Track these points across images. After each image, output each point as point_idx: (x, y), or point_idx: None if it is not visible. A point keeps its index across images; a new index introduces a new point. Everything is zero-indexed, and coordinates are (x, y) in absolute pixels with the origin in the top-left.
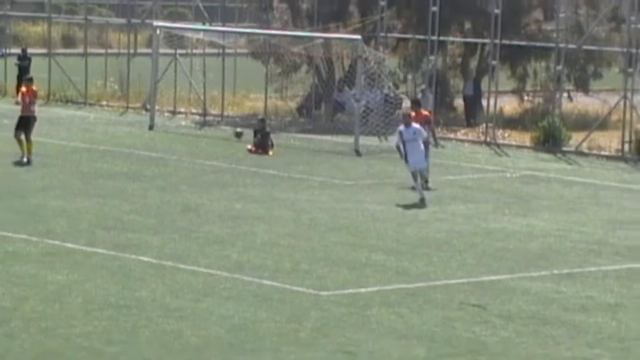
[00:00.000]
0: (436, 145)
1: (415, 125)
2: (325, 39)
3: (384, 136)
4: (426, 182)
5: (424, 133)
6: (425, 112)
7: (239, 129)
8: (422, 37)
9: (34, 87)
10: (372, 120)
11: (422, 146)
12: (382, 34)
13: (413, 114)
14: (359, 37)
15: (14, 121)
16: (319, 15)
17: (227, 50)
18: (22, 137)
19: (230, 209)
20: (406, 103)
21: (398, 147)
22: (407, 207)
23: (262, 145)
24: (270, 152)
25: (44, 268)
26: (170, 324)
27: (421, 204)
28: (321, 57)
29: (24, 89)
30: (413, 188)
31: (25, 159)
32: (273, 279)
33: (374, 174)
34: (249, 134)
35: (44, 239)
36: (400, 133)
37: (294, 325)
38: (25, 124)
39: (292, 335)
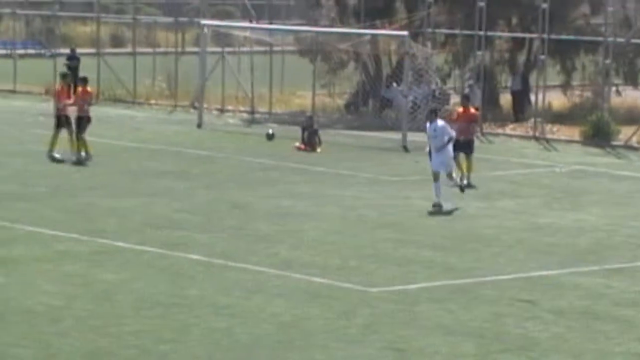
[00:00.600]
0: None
1: (440, 122)
2: (373, 35)
3: None
4: (449, 176)
5: (450, 132)
6: (472, 110)
7: (270, 131)
8: (469, 32)
9: (88, 88)
10: (419, 116)
11: (446, 147)
12: (429, 30)
13: (461, 110)
14: (406, 33)
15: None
16: (365, 11)
17: (274, 48)
18: (73, 136)
19: (278, 207)
20: (454, 98)
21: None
22: (455, 202)
23: (309, 142)
24: (318, 149)
25: (94, 267)
26: (220, 322)
27: (434, 208)
28: (368, 53)
29: (79, 89)
30: (458, 186)
31: (75, 158)
32: (322, 276)
33: (421, 170)
34: (279, 135)
35: (94, 237)
36: (427, 129)
37: (343, 322)
38: (79, 123)
39: (341, 332)
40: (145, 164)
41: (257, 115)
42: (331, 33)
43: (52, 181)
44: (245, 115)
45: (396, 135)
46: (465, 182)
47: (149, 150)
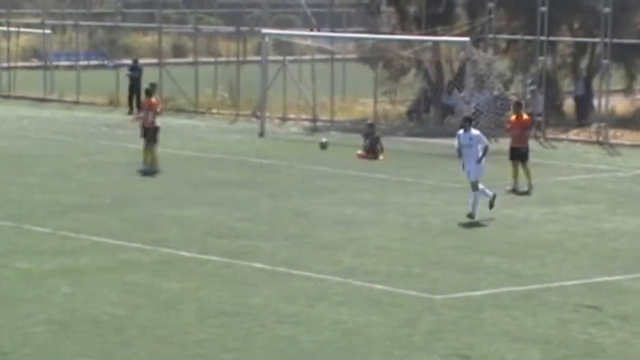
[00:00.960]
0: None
1: (474, 131)
2: (434, 42)
3: (494, 138)
4: (474, 185)
5: (484, 140)
6: (525, 116)
7: (324, 140)
8: (531, 37)
9: (153, 99)
10: (482, 122)
11: (479, 155)
12: (491, 36)
13: (514, 117)
14: (467, 39)
15: (127, 131)
16: (426, 18)
17: (335, 56)
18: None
19: (341, 214)
20: None
21: (458, 151)
22: (518, 209)
23: (371, 149)
24: (380, 157)
25: (158, 276)
26: (284, 330)
27: (469, 217)
28: (430, 60)
29: (154, 100)
30: (512, 190)
31: (149, 168)
32: (385, 283)
33: (484, 176)
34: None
35: (157, 247)
36: (458, 137)
37: (407, 329)
38: (146, 134)
39: (405, 340)
40: (207, 173)
41: (318, 124)
42: (392, 40)
43: (116, 192)
44: (307, 124)
45: None
46: (525, 189)
47: (212, 159)
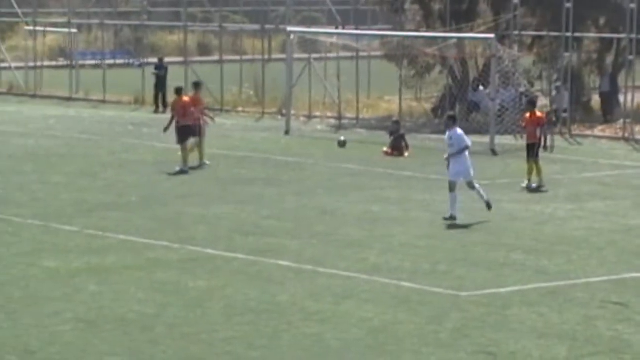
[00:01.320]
0: (546, 149)
1: (457, 130)
2: (459, 38)
3: (519, 135)
4: (469, 184)
5: (465, 141)
6: (539, 114)
7: (342, 138)
8: (556, 34)
9: (185, 97)
10: (507, 119)
11: (462, 155)
12: (516, 32)
13: (528, 115)
14: (492, 36)
15: (153, 130)
16: (451, 15)
17: (360, 53)
18: (188, 145)
19: (367, 212)
20: (541, 101)
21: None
22: (544, 205)
23: (397, 147)
24: (406, 154)
25: (185, 274)
26: (311, 328)
27: (446, 221)
28: (455, 57)
29: (186, 99)
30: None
31: (185, 168)
32: (412, 281)
33: (510, 173)
34: (367, 141)
35: (184, 245)
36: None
37: (433, 326)
38: (185, 132)
39: (432, 337)
40: (233, 171)
41: (344, 121)
42: (417, 37)
43: (142, 190)
44: (332, 121)
45: (484, 139)
46: (533, 185)
47: (238, 157)
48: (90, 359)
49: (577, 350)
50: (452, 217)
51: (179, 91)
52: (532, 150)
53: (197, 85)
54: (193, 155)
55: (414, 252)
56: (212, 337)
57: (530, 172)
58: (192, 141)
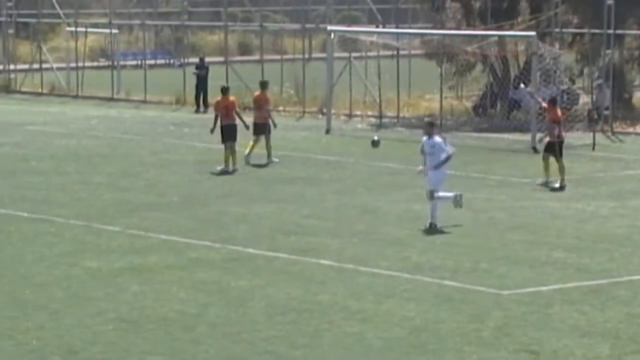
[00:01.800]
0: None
1: (437, 138)
2: (499, 36)
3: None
4: (430, 194)
5: (447, 149)
6: (558, 112)
7: (375, 137)
8: (597, 31)
9: (231, 97)
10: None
11: (443, 165)
12: (557, 30)
13: (546, 108)
14: (533, 33)
15: (194, 130)
16: (491, 12)
17: (401, 52)
18: (228, 146)
19: (408, 210)
20: (583, 99)
21: (422, 153)
22: (586, 203)
23: None
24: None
25: (226, 274)
26: (352, 327)
27: (429, 228)
28: (495, 55)
29: (232, 98)
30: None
31: (230, 168)
32: (453, 279)
33: (551, 171)
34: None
35: (226, 245)
36: (422, 144)
37: (475, 325)
38: (229, 133)
39: (474, 335)
40: (275, 170)
41: (385, 120)
42: (457, 35)
43: (184, 190)
44: (373, 120)
45: (525, 137)
46: (557, 185)
47: (278, 156)
48: (133, 359)
49: (619, 349)
50: (433, 225)
51: (224, 91)
52: (553, 148)
53: (263, 85)
54: (256, 152)
55: (455, 251)
56: (254, 336)
57: (547, 171)
58: (256, 138)
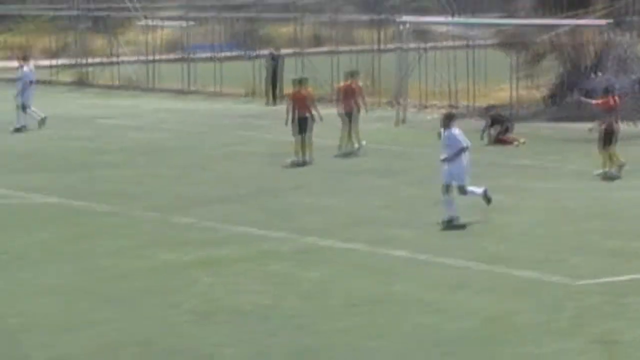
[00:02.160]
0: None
1: (454, 130)
2: (573, 25)
3: (632, 122)
4: (461, 189)
5: (462, 141)
6: (611, 101)
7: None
8: None
9: (307, 89)
10: (623, 106)
11: (458, 157)
12: (632, 18)
13: (600, 101)
14: (607, 22)
15: (267, 122)
16: (565, 1)
17: (474, 42)
18: (301, 138)
19: (481, 201)
20: None
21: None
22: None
23: (505, 135)
24: (515, 143)
25: (299, 266)
26: (427, 318)
27: (445, 224)
28: (569, 44)
29: (310, 89)
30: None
31: (301, 160)
32: (528, 270)
33: (627, 160)
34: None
35: (299, 236)
36: (439, 135)
37: (550, 315)
38: (303, 125)
39: (548, 326)
40: (347, 161)
41: (457, 110)
42: (531, 25)
43: (256, 182)
44: (445, 111)
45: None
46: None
47: (351, 148)
48: (207, 350)
49: None
50: (451, 219)
51: (300, 82)
52: (607, 137)
53: (353, 74)
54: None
55: (530, 241)
56: (328, 328)
57: (612, 160)
58: (343, 127)
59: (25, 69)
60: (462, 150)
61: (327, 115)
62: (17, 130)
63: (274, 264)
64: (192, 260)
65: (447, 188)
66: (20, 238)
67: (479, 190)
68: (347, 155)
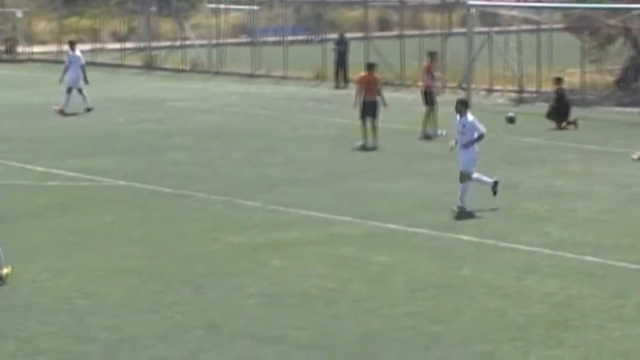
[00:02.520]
0: None
1: (470, 117)
2: None
3: None
4: (462, 176)
5: (479, 128)
6: None
7: (510, 114)
8: None
9: (376, 74)
10: None
11: (474, 145)
12: None
13: None
14: None
15: (334, 105)
16: None
17: (542, 26)
18: (368, 122)
19: (549, 186)
20: None
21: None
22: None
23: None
24: (571, 126)
25: (367, 249)
26: (493, 302)
27: (458, 212)
28: (638, 28)
29: (377, 75)
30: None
31: (370, 144)
32: (595, 255)
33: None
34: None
35: (366, 220)
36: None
37: (618, 301)
38: (370, 109)
39: (616, 311)
40: (415, 146)
41: (525, 95)
42: (599, 8)
43: (324, 166)
44: (513, 95)
45: None
46: None
47: (419, 132)
48: (274, 333)
49: None
50: (462, 209)
51: (369, 67)
52: None
53: (432, 54)
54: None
55: (597, 226)
56: (394, 311)
57: None
58: (427, 109)
59: (76, 53)
60: (481, 137)
61: (393, 99)
62: (88, 110)
63: (341, 247)
64: (260, 243)
65: (464, 176)
66: (88, 221)
67: (489, 179)
68: (424, 138)
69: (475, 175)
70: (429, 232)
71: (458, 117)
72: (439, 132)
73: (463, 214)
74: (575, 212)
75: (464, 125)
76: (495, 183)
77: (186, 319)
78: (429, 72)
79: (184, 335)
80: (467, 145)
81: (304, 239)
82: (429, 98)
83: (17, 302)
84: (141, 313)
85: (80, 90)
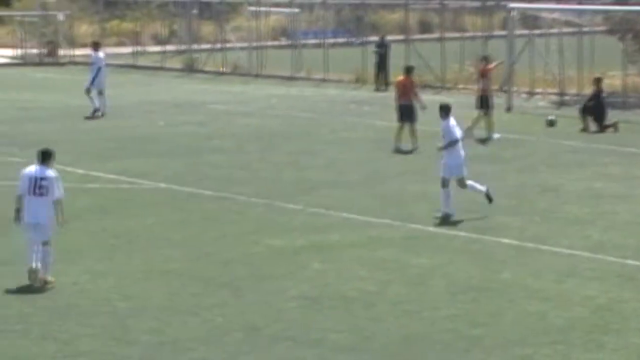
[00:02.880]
0: None
1: (449, 121)
2: None
3: None
4: (460, 182)
5: (454, 133)
6: None
7: (550, 117)
8: None
9: (413, 77)
10: None
11: (453, 149)
12: None
13: None
14: None
15: (375, 108)
16: None
17: (583, 28)
18: (406, 126)
19: (590, 189)
20: None
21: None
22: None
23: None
24: (610, 129)
25: (406, 252)
26: (533, 305)
27: (441, 219)
28: None
29: (401, 77)
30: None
31: (410, 147)
32: (636, 258)
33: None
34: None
35: (405, 223)
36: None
37: None
38: (406, 112)
39: None
40: None
41: (566, 98)
42: None
43: (363, 168)
44: (554, 98)
45: None
46: None
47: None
48: (314, 335)
49: None
50: (446, 215)
51: (407, 70)
52: None
53: (486, 58)
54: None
55: (638, 229)
56: (434, 314)
57: None
58: (480, 113)
59: (100, 54)
60: (456, 141)
61: (433, 102)
62: (95, 112)
63: (381, 250)
64: (301, 246)
65: (444, 182)
66: (128, 223)
67: (481, 187)
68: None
69: (469, 182)
70: (469, 235)
71: (441, 120)
72: (495, 135)
73: (446, 220)
74: (616, 215)
75: (442, 129)
76: (488, 190)
77: (226, 321)
78: (484, 75)
79: (223, 337)
80: (442, 149)
81: (344, 242)
82: (484, 102)
83: (58, 304)
84: (181, 315)
85: (101, 92)
